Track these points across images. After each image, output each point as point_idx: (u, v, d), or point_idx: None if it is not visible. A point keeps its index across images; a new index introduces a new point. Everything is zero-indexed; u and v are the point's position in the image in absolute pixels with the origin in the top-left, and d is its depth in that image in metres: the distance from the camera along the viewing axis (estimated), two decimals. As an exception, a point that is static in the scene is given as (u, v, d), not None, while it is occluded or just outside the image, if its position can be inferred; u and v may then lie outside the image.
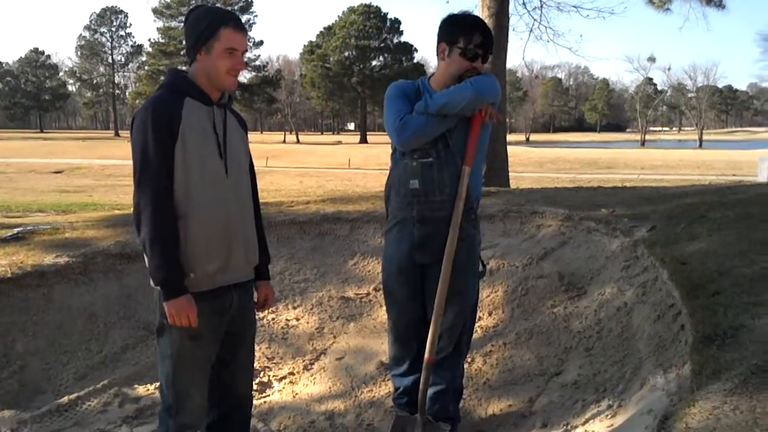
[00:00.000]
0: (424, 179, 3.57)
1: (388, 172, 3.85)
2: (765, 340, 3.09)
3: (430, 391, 3.72)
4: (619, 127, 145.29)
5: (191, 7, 3.26)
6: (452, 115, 3.52)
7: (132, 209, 2.88)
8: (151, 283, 2.89)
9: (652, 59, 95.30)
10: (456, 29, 3.58)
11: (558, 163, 45.40)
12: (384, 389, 4.48)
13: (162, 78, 2.93)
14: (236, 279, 3.05)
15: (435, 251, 3.58)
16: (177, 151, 2.83)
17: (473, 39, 3.53)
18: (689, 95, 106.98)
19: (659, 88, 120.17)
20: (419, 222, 3.62)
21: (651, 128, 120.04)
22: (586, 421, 3.51)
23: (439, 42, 3.65)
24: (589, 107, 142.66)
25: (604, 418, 3.42)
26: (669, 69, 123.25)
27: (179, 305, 2.81)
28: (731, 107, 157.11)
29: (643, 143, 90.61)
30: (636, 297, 4.41)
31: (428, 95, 3.57)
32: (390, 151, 3.82)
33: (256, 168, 3.35)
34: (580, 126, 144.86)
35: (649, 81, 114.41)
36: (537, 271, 5.25)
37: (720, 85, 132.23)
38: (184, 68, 3.13)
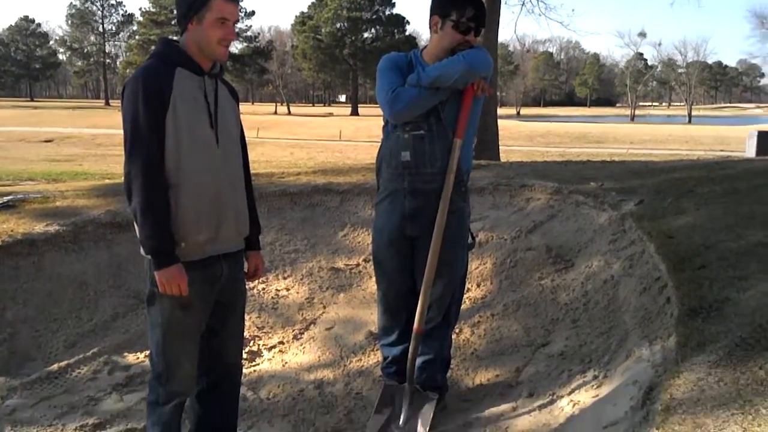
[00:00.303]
0: (415, 152, 3.58)
1: (379, 144, 3.86)
2: (749, 313, 3.14)
3: (419, 360, 3.75)
4: (609, 102, 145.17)
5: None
6: (444, 89, 3.52)
7: (123, 178, 2.88)
8: (142, 251, 2.90)
9: (642, 34, 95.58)
10: (449, 2, 3.56)
11: (548, 137, 45.39)
12: (373, 359, 4.52)
13: (153, 48, 2.88)
14: (226, 249, 3.06)
15: (425, 223, 3.60)
16: (168, 121, 2.82)
17: (466, 12, 3.52)
18: (679, 71, 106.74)
19: (649, 63, 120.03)
20: (410, 194, 3.63)
21: (641, 103, 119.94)
22: (572, 391, 3.56)
23: (431, 15, 3.64)
24: (579, 82, 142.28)
25: (590, 389, 3.47)
26: (659, 44, 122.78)
27: (170, 274, 2.82)
28: (721, 83, 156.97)
29: (632, 118, 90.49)
30: (623, 270, 4.45)
31: (421, 68, 3.56)
32: (382, 123, 3.83)
33: (247, 139, 3.35)
34: (571, 100, 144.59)
35: (640, 56, 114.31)
36: (525, 244, 5.29)
37: (710, 61, 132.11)
38: (175, 38, 3.11)
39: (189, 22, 2.91)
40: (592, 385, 3.49)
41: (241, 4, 2.91)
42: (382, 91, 3.61)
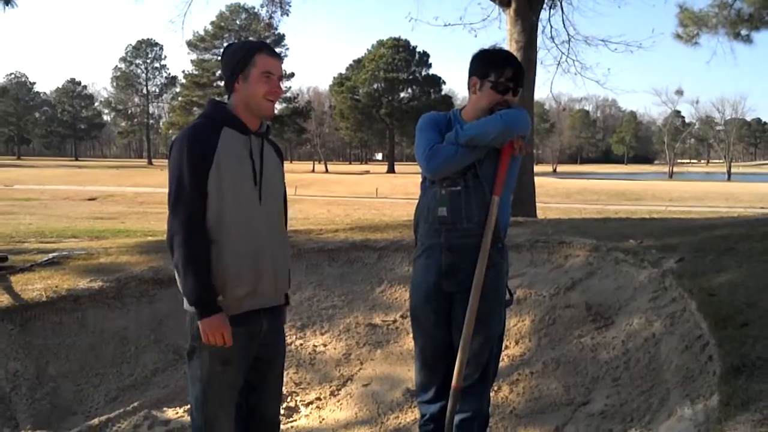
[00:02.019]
0: (452, 207, 3.60)
1: (415, 201, 3.90)
2: (794, 371, 3.08)
3: (457, 418, 3.71)
4: (646, 159, 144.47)
5: (225, 40, 3.35)
6: (482, 147, 3.56)
7: (166, 233, 2.95)
8: (185, 305, 2.94)
9: (679, 92, 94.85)
10: (487, 63, 3.62)
11: (585, 194, 45.10)
12: (410, 416, 4.49)
13: (195, 109, 2.98)
14: (265, 304, 3.09)
15: (462, 279, 3.60)
16: (211, 178, 2.89)
17: (504, 73, 3.57)
18: (717, 128, 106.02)
19: (687, 120, 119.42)
20: (447, 249, 3.63)
21: (679, 160, 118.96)
22: (613, 451, 3.50)
23: (470, 76, 3.70)
24: (616, 139, 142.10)
25: (632, 448, 3.41)
26: (697, 102, 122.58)
27: (214, 324, 2.85)
28: (760, 140, 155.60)
29: (671, 175, 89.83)
30: (664, 328, 4.40)
31: (459, 126, 3.61)
32: (418, 181, 3.87)
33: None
34: (608, 158, 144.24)
35: (677, 114, 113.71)
36: (564, 301, 5.26)
37: (748, 118, 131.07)
38: (222, 99, 3.20)
39: (235, 82, 3.01)
40: (634, 445, 3.43)
41: (282, 66, 3.01)
42: (420, 147, 3.65)
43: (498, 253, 3.65)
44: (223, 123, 2.99)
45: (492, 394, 4.34)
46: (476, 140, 3.52)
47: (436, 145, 3.59)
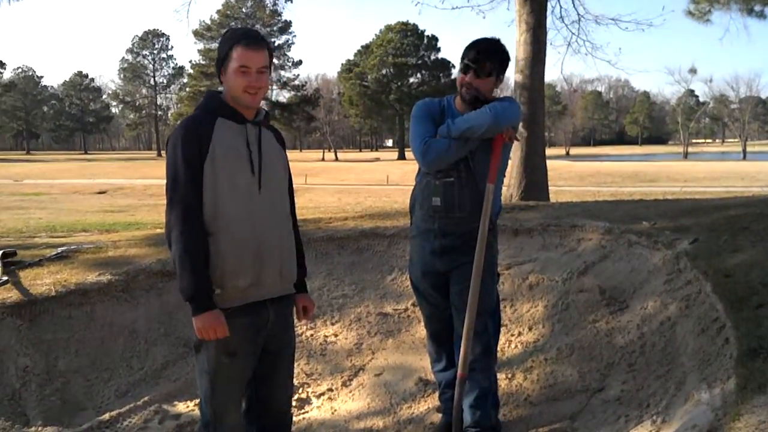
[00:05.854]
0: (445, 198, 3.78)
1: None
2: (813, 353, 3.01)
3: (469, 400, 3.77)
4: (660, 140, 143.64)
5: (230, 29, 3.33)
6: (474, 138, 3.68)
7: (164, 227, 2.94)
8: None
9: (693, 71, 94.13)
10: (465, 49, 3.76)
11: (599, 177, 44.88)
12: (423, 405, 4.45)
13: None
14: (270, 294, 3.06)
15: (454, 258, 3.81)
16: (206, 170, 2.87)
17: (469, 54, 3.70)
18: (732, 106, 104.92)
19: (701, 99, 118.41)
20: (441, 235, 3.83)
21: (693, 140, 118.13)
22: (630, 438, 3.45)
23: None
24: (629, 120, 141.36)
25: (648, 435, 3.36)
26: (710, 80, 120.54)
27: (207, 320, 2.84)
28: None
29: (685, 155, 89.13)
30: (679, 311, 4.33)
31: (450, 121, 3.74)
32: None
33: (295, 185, 3.38)
34: (621, 139, 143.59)
35: (691, 93, 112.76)
36: (578, 286, 5.18)
37: (763, 96, 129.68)
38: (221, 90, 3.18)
39: (221, 74, 3.03)
40: (651, 431, 3.37)
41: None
42: (416, 140, 3.80)
43: (490, 234, 3.79)
44: (218, 113, 2.98)
45: (506, 381, 4.31)
46: (467, 134, 3.67)
47: (430, 139, 3.74)
